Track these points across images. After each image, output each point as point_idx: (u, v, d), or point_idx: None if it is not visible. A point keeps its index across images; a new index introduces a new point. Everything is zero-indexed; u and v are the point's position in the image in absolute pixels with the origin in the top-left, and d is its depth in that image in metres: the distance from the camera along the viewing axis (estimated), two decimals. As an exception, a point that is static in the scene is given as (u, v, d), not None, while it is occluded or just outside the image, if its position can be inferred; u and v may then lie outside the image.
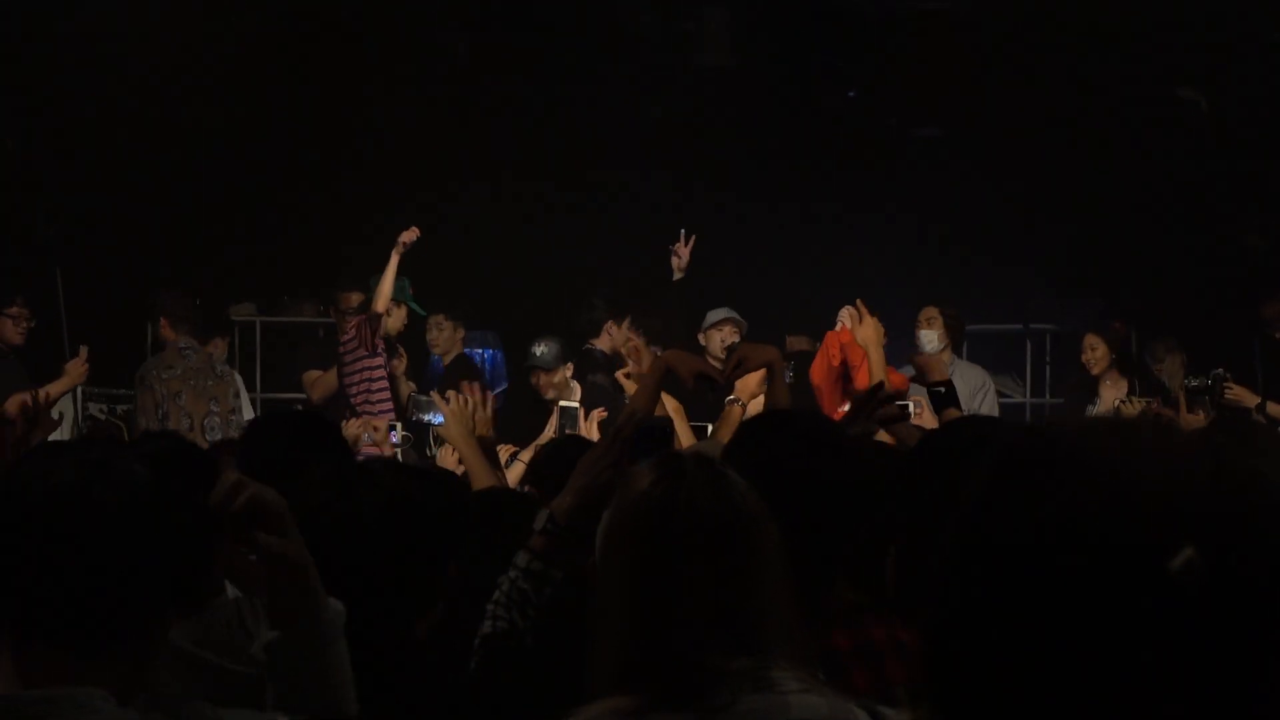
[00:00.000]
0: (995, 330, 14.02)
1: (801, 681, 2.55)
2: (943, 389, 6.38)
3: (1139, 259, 13.75)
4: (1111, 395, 10.90)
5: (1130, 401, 10.36)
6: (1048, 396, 13.93)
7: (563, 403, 9.82)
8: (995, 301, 13.88)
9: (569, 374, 10.75)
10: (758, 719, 2.49)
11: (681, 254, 10.82)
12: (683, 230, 10.98)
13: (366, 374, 11.23)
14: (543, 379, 10.74)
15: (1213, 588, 1.28)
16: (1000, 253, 13.64)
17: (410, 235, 11.18)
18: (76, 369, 9.96)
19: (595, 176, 14.10)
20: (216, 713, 2.44)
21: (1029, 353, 14.23)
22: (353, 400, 10.95)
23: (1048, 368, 14.17)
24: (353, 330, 11.30)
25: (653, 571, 2.65)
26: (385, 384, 11.20)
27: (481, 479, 5.84)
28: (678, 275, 11.10)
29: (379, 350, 11.31)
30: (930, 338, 10.88)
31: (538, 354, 10.81)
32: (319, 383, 11.78)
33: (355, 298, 11.91)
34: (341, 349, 11.49)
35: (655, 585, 2.64)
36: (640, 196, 14.09)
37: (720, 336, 10.71)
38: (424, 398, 9.85)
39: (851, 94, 14.62)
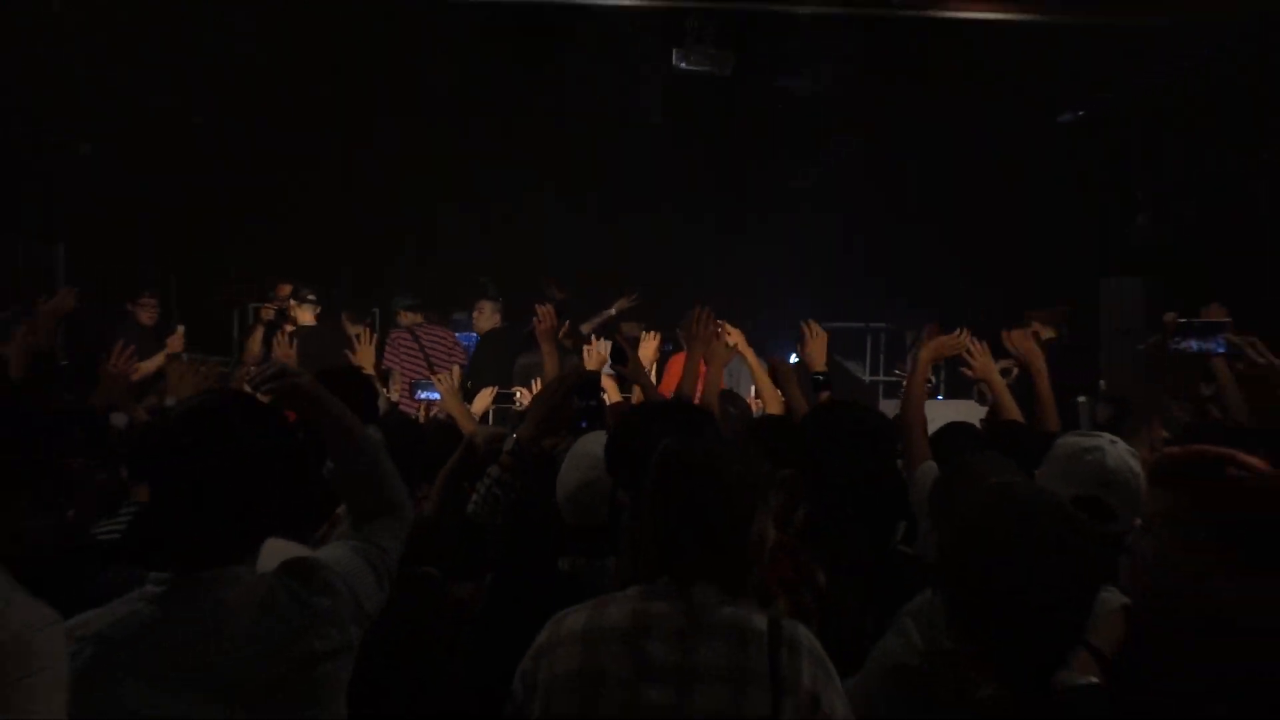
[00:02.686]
0: (845, 328, 15.13)
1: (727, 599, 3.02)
2: (821, 376, 6.91)
3: (958, 274, 14.77)
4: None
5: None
6: (881, 375, 15.33)
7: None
8: (845, 307, 15.11)
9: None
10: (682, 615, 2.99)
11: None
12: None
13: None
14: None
15: None
16: (850, 271, 15.16)
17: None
18: (176, 341, 10.90)
19: (550, 201, 15.14)
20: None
21: (868, 345, 15.64)
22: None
23: (881, 356, 15.59)
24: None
25: (659, 507, 3.11)
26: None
27: (469, 427, 6.95)
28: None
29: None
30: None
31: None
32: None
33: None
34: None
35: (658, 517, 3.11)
36: (589, 219, 15.34)
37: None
38: (424, 380, 10.12)
39: (781, 180, 15.94)
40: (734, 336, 7.98)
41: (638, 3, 12.80)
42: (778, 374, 7.11)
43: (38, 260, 11.75)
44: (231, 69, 13.02)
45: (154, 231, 13.71)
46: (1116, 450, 3.85)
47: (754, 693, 2.80)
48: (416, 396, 9.77)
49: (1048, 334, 11.67)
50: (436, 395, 9.10)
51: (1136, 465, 3.89)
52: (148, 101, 12.97)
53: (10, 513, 3.18)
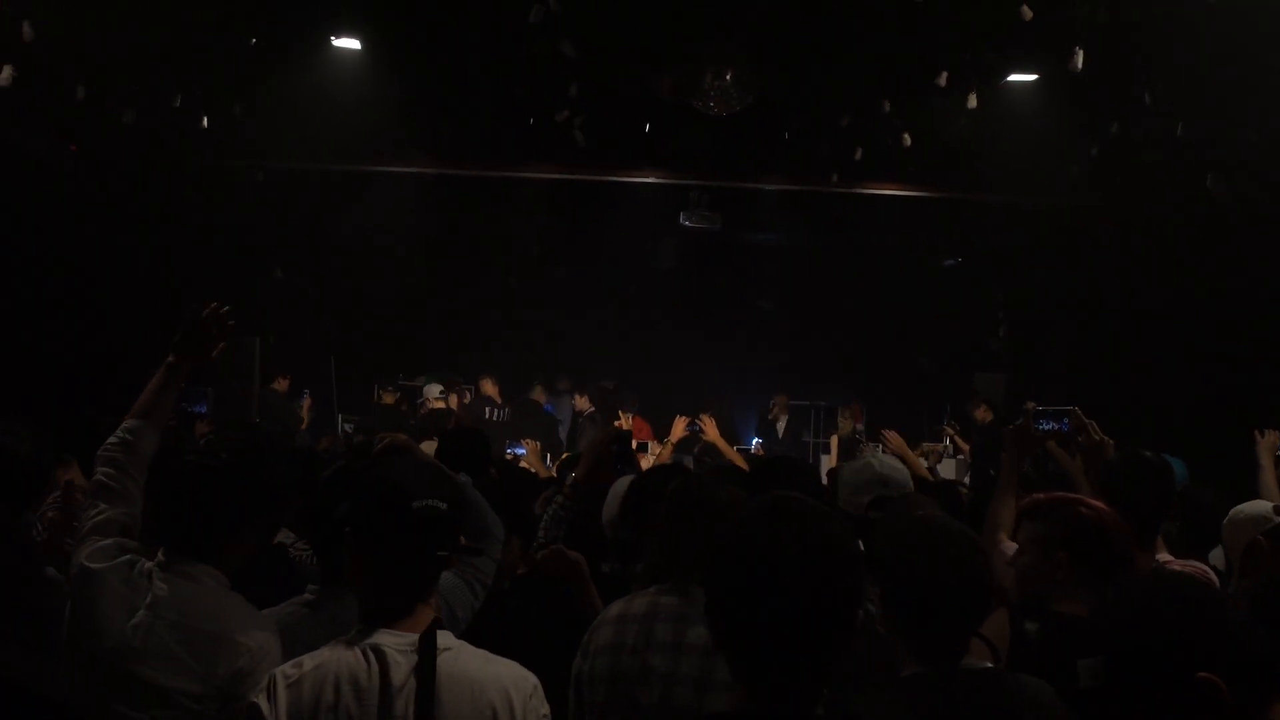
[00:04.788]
0: (796, 404, 14.44)
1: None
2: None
3: (874, 368, 14.55)
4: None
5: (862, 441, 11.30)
6: (822, 437, 14.44)
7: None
8: (796, 390, 14.49)
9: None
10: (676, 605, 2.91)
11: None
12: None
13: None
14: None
15: None
16: (800, 366, 14.61)
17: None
18: (306, 404, 11.76)
19: (586, 319, 14.66)
20: None
21: (812, 416, 15.05)
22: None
23: (820, 424, 14.86)
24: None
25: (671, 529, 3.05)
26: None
27: (543, 474, 6.96)
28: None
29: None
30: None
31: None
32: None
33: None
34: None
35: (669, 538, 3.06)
36: (618, 331, 14.91)
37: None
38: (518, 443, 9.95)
39: (753, 303, 15.87)
40: (709, 425, 8.30)
41: (656, 181, 13.14)
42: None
43: (240, 348, 11.49)
44: (384, 236, 13.34)
45: (319, 329, 13.80)
46: (879, 458, 3.82)
47: (722, 663, 2.79)
48: (508, 451, 9.64)
49: (988, 416, 11.51)
50: (523, 451, 9.16)
51: (899, 463, 3.84)
52: (321, 246, 13.25)
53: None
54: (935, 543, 2.45)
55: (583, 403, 12.75)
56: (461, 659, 2.28)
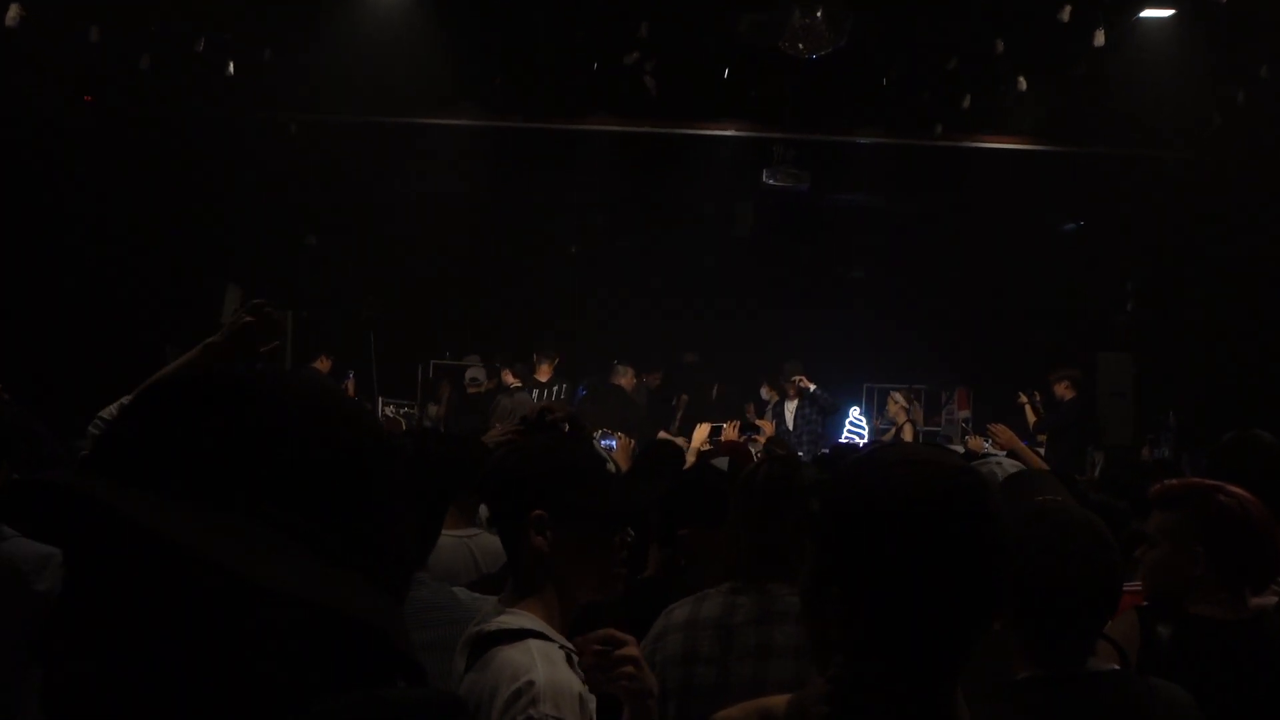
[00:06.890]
0: (892, 388, 14.88)
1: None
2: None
3: (985, 347, 14.80)
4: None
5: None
6: (921, 425, 14.26)
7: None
8: (894, 372, 15.20)
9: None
10: (764, 603, 2.91)
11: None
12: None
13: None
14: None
15: None
16: (897, 344, 14.82)
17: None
18: (349, 386, 11.99)
19: (659, 298, 15.11)
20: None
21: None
22: None
23: (920, 405, 14.76)
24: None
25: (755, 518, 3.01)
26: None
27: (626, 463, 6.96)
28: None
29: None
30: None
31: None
32: None
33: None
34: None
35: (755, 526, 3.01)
36: (690, 304, 15.25)
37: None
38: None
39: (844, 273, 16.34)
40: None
41: (736, 134, 13.11)
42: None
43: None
44: (430, 198, 13.50)
45: (358, 302, 14.02)
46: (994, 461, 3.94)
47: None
48: (600, 444, 9.53)
49: (1069, 393, 11.36)
50: (614, 445, 9.17)
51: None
52: (360, 210, 13.40)
53: None
54: (1061, 532, 2.38)
55: (544, 373, 12.52)
56: (511, 646, 2.34)
